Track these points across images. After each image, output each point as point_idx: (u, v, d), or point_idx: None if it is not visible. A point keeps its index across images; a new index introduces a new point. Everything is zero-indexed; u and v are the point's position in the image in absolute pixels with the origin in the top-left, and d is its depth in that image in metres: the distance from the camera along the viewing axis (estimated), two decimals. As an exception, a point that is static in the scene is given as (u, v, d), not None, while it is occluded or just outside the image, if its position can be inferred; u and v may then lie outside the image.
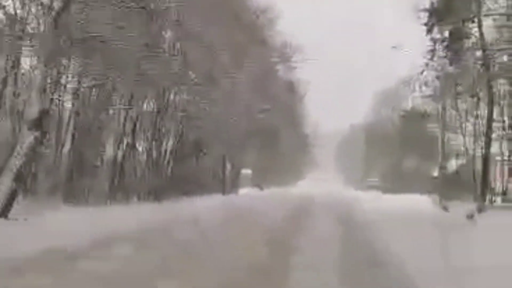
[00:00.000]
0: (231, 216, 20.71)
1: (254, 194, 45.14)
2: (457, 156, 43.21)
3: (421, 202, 32.10)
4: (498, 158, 29.90)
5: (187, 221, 16.91)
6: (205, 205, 23.95)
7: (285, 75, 45.94)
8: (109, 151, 20.92)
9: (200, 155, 30.42)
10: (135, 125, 22.49)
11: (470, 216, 16.30)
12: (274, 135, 43.26)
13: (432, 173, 61.01)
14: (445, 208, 24.86)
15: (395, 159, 59.80)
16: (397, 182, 57.39)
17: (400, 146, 57.40)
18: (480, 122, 26.82)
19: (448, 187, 37.24)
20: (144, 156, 23.26)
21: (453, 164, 57.20)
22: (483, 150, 22.07)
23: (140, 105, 23.79)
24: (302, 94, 52.80)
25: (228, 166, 36.06)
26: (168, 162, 25.07)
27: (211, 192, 33.54)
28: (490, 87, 21.48)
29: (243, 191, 45.63)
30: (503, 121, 22.43)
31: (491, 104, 21.72)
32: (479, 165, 27.73)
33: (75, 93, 19.61)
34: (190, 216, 18.40)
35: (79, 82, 19.53)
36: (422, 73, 26.81)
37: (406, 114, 59.99)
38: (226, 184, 35.41)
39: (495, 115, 24.41)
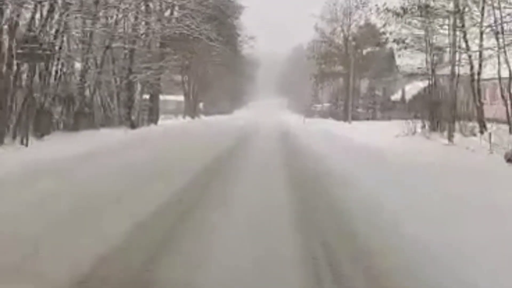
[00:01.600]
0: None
1: (180, 123, 36.06)
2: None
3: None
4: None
5: None
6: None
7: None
8: None
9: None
10: None
11: None
12: (204, 49, 33.88)
13: (390, 96, 53.40)
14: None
15: (346, 82, 51.17)
16: (346, 109, 49.13)
17: (352, 67, 48.74)
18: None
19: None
20: None
21: (418, 85, 49.74)
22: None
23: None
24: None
25: (139, 89, 26.62)
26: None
27: (114, 126, 24.34)
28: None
29: (168, 121, 36.54)
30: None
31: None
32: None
33: None
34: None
35: None
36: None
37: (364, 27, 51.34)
38: (135, 113, 26.05)
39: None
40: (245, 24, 50.16)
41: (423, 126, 24.34)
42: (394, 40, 21.96)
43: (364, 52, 51.71)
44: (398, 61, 58.50)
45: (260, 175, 11.59)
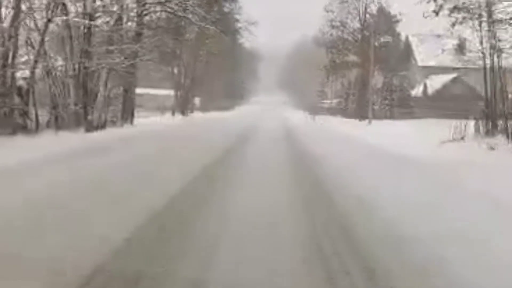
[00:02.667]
0: None
1: (164, 123, 29.96)
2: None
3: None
4: None
5: None
6: None
7: None
8: None
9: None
10: None
11: None
12: (196, 33, 27.91)
13: (409, 91, 47.39)
14: None
15: (360, 74, 45.07)
16: (360, 105, 43.11)
17: (372, 54, 42.72)
18: None
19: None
20: None
21: (440, 80, 44.19)
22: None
23: None
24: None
25: (103, 79, 20.54)
26: None
27: (70, 128, 18.29)
28: None
29: (151, 119, 30.58)
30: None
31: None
32: None
33: None
34: None
35: None
36: None
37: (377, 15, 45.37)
38: (97, 111, 19.96)
39: None
40: (246, 17, 44.69)
41: (477, 130, 18.41)
42: (455, 7, 15.95)
43: (378, 43, 45.75)
44: (416, 52, 52.78)
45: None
